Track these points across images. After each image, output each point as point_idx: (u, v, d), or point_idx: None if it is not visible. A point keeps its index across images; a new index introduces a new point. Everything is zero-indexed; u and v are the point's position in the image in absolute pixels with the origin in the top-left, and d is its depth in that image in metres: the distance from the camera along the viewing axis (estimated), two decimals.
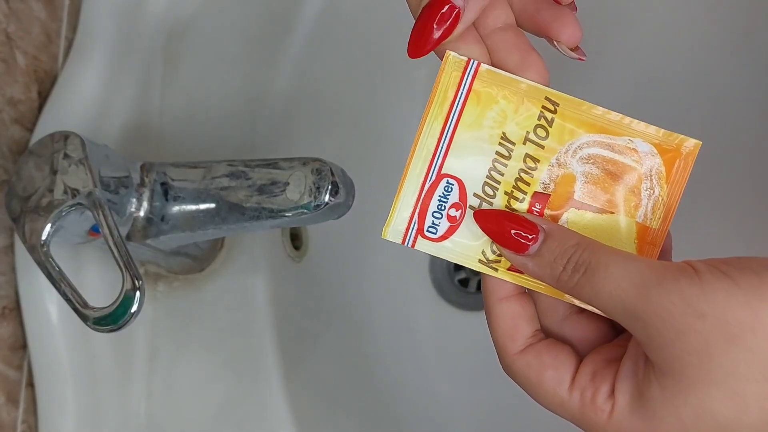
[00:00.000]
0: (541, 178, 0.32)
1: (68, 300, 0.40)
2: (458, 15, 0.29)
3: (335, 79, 0.63)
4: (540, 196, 0.32)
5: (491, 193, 0.32)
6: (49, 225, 0.41)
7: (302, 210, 0.42)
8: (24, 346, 0.48)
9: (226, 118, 0.55)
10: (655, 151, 0.32)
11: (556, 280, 0.30)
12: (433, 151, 0.32)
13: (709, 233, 0.61)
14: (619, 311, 0.28)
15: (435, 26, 0.30)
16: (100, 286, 0.49)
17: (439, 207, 0.31)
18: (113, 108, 0.52)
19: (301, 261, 0.60)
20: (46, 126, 0.48)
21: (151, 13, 0.56)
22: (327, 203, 0.42)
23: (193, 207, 0.44)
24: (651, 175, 0.32)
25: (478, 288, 0.71)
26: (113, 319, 0.39)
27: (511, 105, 0.31)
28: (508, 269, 0.31)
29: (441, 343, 0.69)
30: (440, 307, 0.70)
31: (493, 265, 0.31)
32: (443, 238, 0.32)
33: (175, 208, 0.45)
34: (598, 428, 0.29)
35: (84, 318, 0.39)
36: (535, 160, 0.32)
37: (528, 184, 0.32)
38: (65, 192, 0.41)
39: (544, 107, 0.31)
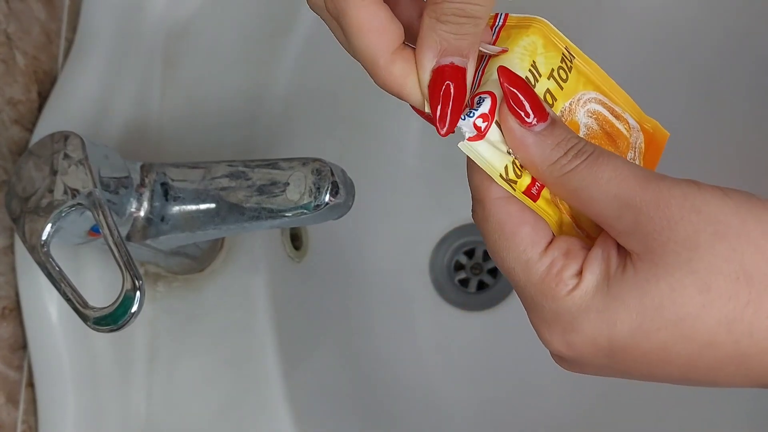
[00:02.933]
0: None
1: (68, 300, 0.40)
2: (464, 74, 0.29)
3: (335, 79, 0.63)
4: None
5: None
6: (49, 225, 0.41)
7: (302, 210, 0.42)
8: (24, 346, 0.48)
9: (225, 118, 0.55)
10: (639, 128, 0.34)
11: (550, 163, 0.29)
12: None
13: None
14: (612, 198, 0.28)
15: (451, 104, 0.29)
16: (100, 287, 0.49)
17: (469, 114, 0.30)
18: (113, 108, 0.52)
19: (301, 261, 0.60)
20: (45, 126, 0.48)
21: (151, 14, 0.56)
22: (327, 203, 0.42)
23: (192, 207, 0.44)
24: (635, 147, 0.34)
25: (479, 288, 0.71)
26: (113, 319, 0.39)
27: (541, 40, 0.32)
28: (524, 192, 0.31)
29: (441, 343, 0.69)
30: (440, 307, 0.70)
31: (512, 184, 0.31)
32: (469, 140, 0.30)
33: (175, 209, 0.45)
34: (552, 300, 0.29)
35: (84, 318, 0.39)
36: (553, 97, 0.32)
37: None
38: (65, 192, 0.41)
39: (564, 55, 0.32)
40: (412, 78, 0.29)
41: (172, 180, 0.45)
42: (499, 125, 0.30)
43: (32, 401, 0.48)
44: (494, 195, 0.30)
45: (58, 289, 0.40)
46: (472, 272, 0.71)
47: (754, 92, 0.63)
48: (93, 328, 0.39)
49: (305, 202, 0.42)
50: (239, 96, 0.55)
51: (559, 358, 0.31)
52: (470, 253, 0.72)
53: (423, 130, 0.70)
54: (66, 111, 0.50)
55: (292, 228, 0.60)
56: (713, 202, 0.28)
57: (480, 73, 0.32)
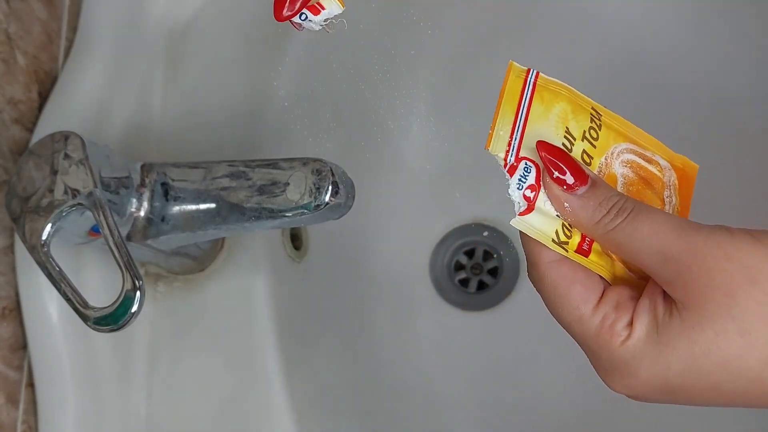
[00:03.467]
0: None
1: (68, 300, 0.40)
2: None
3: (336, 79, 0.63)
4: None
5: None
6: (49, 225, 0.41)
7: (302, 210, 0.42)
8: (24, 346, 0.48)
9: (226, 118, 0.55)
10: (670, 166, 0.36)
11: (595, 223, 0.32)
12: (508, 140, 0.34)
13: None
14: (653, 251, 0.31)
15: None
16: (100, 287, 0.49)
17: (518, 187, 0.34)
18: (113, 108, 0.52)
19: (302, 261, 0.60)
20: (46, 126, 0.48)
21: (152, 14, 0.56)
22: (327, 203, 0.42)
23: (193, 207, 0.44)
24: (670, 186, 0.36)
25: (478, 288, 0.71)
26: (113, 319, 0.39)
27: (569, 106, 0.35)
28: (576, 251, 0.34)
29: (441, 343, 0.69)
30: (440, 307, 0.70)
31: (564, 246, 0.34)
32: (521, 215, 0.34)
33: (176, 209, 0.45)
34: (608, 351, 0.32)
35: (84, 318, 0.39)
36: (589, 156, 0.35)
37: None
38: (65, 192, 0.41)
39: (592, 115, 0.35)
40: None
41: (173, 180, 0.45)
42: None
43: (32, 401, 0.48)
44: (547, 258, 0.33)
45: (58, 289, 0.40)
46: (472, 272, 0.71)
47: (755, 99, 0.63)
48: (93, 328, 0.39)
49: (305, 202, 0.42)
50: (240, 96, 0.55)
51: (624, 395, 0.34)
52: (470, 254, 0.72)
53: (424, 130, 0.70)
54: (66, 111, 0.50)
55: (292, 228, 0.60)
56: (745, 249, 0.30)
57: (519, 138, 0.34)
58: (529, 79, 0.35)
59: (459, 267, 0.71)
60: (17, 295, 0.47)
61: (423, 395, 0.67)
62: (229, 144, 0.54)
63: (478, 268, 0.71)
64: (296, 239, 0.61)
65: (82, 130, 0.46)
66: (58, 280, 0.40)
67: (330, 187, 0.42)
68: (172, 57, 0.56)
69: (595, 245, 0.33)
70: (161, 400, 0.51)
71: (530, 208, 0.33)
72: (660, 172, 0.36)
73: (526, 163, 0.33)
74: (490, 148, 0.34)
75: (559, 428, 0.65)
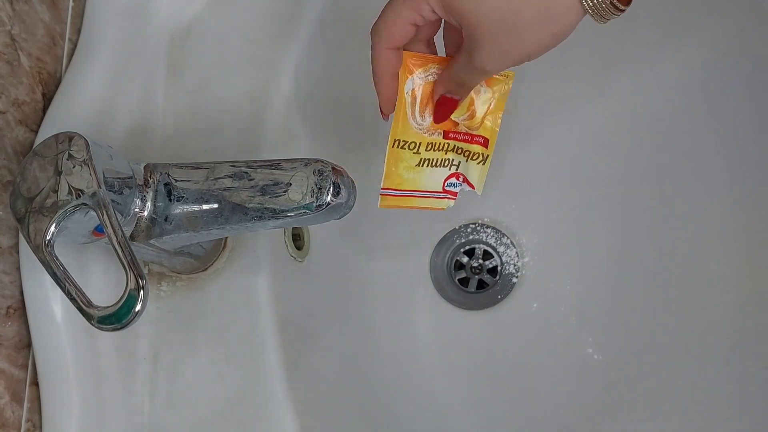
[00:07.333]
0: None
1: (72, 299, 0.40)
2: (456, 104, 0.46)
3: (337, 80, 0.63)
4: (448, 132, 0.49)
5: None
6: (53, 225, 0.41)
7: (304, 210, 0.42)
8: (29, 345, 0.48)
9: (228, 118, 0.55)
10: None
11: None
12: (444, 196, 0.49)
13: (710, 224, 0.61)
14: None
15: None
16: (104, 286, 0.49)
17: (455, 187, 0.50)
18: (117, 109, 0.52)
19: (303, 260, 0.60)
20: (50, 127, 0.49)
21: (154, 16, 0.56)
22: (329, 204, 0.42)
23: (196, 207, 0.45)
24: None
25: (478, 287, 0.71)
26: (117, 318, 0.39)
27: (403, 161, 0.47)
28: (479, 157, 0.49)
29: (441, 342, 0.69)
30: (440, 306, 0.71)
31: (480, 159, 0.49)
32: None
33: (179, 209, 0.45)
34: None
35: (88, 317, 0.40)
36: (438, 147, 0.48)
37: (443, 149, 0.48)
38: (69, 192, 0.42)
39: (398, 145, 0.47)
40: None
41: (176, 180, 0.45)
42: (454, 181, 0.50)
43: (36, 399, 0.49)
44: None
45: (63, 288, 0.40)
46: (472, 272, 0.72)
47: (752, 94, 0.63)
48: (97, 327, 0.39)
49: (307, 202, 0.42)
50: (242, 97, 0.56)
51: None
52: (470, 253, 0.72)
53: None
54: (70, 112, 0.50)
55: (293, 228, 0.60)
56: None
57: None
58: (393, 192, 0.47)
59: (459, 266, 0.72)
60: (22, 294, 0.48)
61: (423, 393, 0.67)
62: (231, 144, 0.55)
63: (478, 268, 0.71)
64: (298, 239, 0.61)
65: (85, 131, 0.47)
66: (62, 279, 0.40)
67: (331, 188, 0.42)
68: (174, 58, 0.57)
69: (455, 134, 0.48)
70: (164, 398, 0.51)
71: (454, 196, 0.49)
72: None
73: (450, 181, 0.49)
74: (447, 208, 0.50)
75: (557, 425, 0.65)
